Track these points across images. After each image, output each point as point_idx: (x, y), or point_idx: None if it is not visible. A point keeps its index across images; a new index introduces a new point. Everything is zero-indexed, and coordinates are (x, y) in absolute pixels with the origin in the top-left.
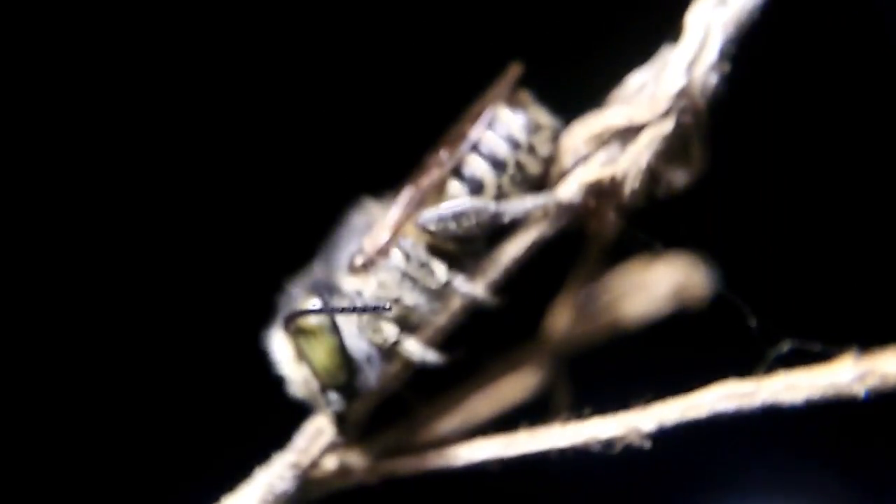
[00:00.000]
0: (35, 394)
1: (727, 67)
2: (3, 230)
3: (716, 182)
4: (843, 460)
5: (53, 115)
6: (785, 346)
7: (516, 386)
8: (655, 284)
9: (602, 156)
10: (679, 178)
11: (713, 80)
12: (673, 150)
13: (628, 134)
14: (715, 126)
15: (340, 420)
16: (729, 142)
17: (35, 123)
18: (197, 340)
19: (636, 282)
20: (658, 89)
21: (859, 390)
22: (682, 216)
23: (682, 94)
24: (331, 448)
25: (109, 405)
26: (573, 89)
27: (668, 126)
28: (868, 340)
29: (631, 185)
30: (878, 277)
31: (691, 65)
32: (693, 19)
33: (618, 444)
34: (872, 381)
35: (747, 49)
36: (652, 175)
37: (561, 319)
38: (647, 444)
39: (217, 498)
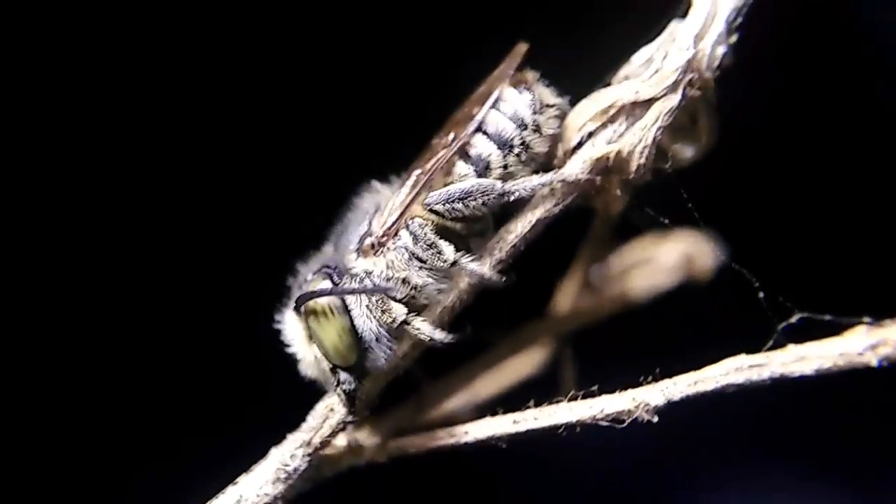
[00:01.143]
0: (55, 377)
1: (734, 40)
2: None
3: (723, 155)
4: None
5: (52, 113)
6: (795, 318)
7: (524, 363)
8: (663, 259)
9: (609, 132)
10: (686, 152)
11: (721, 52)
12: (680, 124)
13: (635, 109)
14: (722, 99)
15: (351, 399)
16: (737, 114)
17: (34, 123)
18: (211, 323)
19: (644, 257)
20: (665, 63)
21: (871, 360)
22: (689, 190)
23: (689, 67)
24: (342, 427)
25: (125, 390)
26: (579, 67)
27: (675, 100)
28: (879, 311)
29: (638, 160)
30: (887, 248)
31: (698, 38)
32: None
33: (626, 418)
34: (885, 351)
35: (754, 21)
36: (659, 150)
37: (568, 296)
38: (655, 419)
39: (233, 476)
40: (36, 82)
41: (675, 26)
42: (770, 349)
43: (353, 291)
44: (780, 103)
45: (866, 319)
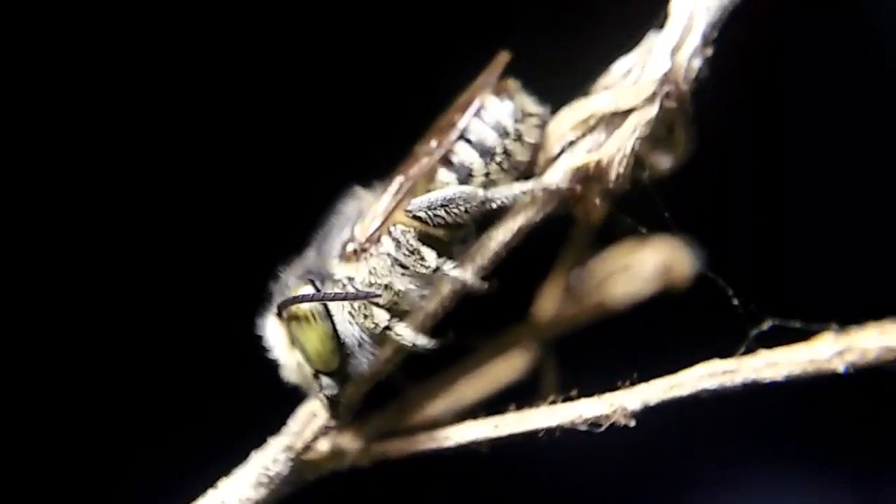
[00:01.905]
0: (33, 381)
1: (710, 52)
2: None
3: (699, 165)
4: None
5: (51, 114)
6: (766, 325)
7: (505, 368)
8: (641, 266)
9: (588, 142)
10: (664, 162)
11: (697, 64)
12: (658, 134)
13: (614, 119)
14: (698, 110)
15: (333, 404)
16: (712, 126)
17: (34, 123)
18: (192, 328)
19: (622, 264)
20: (643, 75)
21: (839, 366)
22: (666, 199)
23: (666, 79)
24: (324, 431)
25: (106, 393)
26: (559, 77)
27: (652, 111)
28: (846, 318)
29: (617, 170)
30: (856, 256)
31: (675, 50)
32: (677, 5)
33: (604, 423)
34: (851, 357)
35: (730, 34)
36: (637, 160)
37: (549, 302)
38: (633, 423)
39: (214, 481)
40: (33, 82)
41: (652, 38)
42: (742, 355)
43: (335, 298)
44: (755, 114)
45: (833, 327)
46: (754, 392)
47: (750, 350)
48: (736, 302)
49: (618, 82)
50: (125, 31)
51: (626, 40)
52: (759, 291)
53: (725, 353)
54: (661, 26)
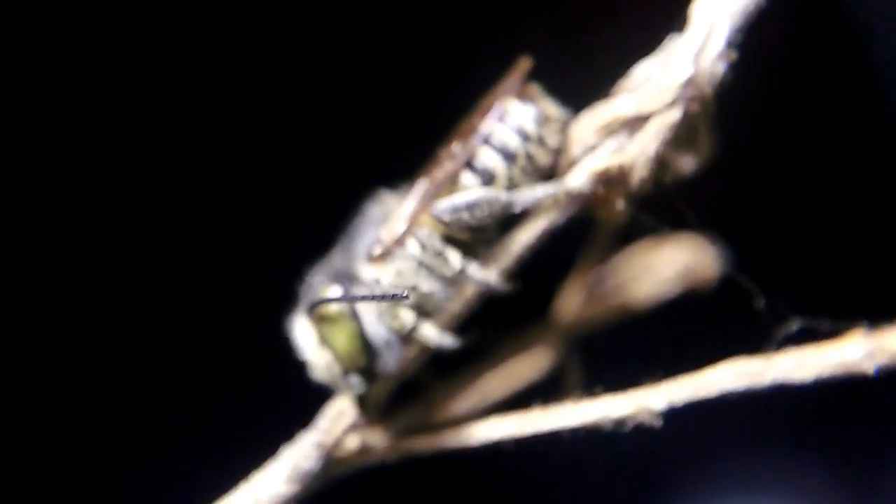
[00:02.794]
0: (65, 373)
1: (734, 56)
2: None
3: (723, 167)
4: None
5: (60, 115)
6: (794, 325)
7: (528, 366)
8: (664, 266)
9: (610, 145)
10: (686, 164)
11: (720, 68)
12: (680, 137)
13: (636, 123)
14: (722, 113)
15: (361, 402)
16: (736, 128)
17: (37, 124)
18: (223, 327)
19: (645, 264)
20: (665, 79)
21: (869, 367)
22: (690, 200)
23: (689, 83)
24: (352, 428)
25: (140, 389)
26: (581, 81)
27: (675, 115)
28: (876, 317)
29: (639, 172)
30: (884, 255)
31: (698, 54)
32: (699, 8)
33: (629, 422)
34: (882, 358)
35: (754, 37)
36: (660, 162)
37: (571, 302)
38: (658, 423)
39: (246, 475)
40: (37, 82)
41: (675, 41)
42: (769, 355)
43: (363, 298)
44: (778, 116)
45: (863, 326)
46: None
47: (777, 350)
48: (762, 302)
49: (640, 86)
50: (163, 34)
51: (648, 43)
52: (785, 291)
53: (751, 354)
54: (683, 29)
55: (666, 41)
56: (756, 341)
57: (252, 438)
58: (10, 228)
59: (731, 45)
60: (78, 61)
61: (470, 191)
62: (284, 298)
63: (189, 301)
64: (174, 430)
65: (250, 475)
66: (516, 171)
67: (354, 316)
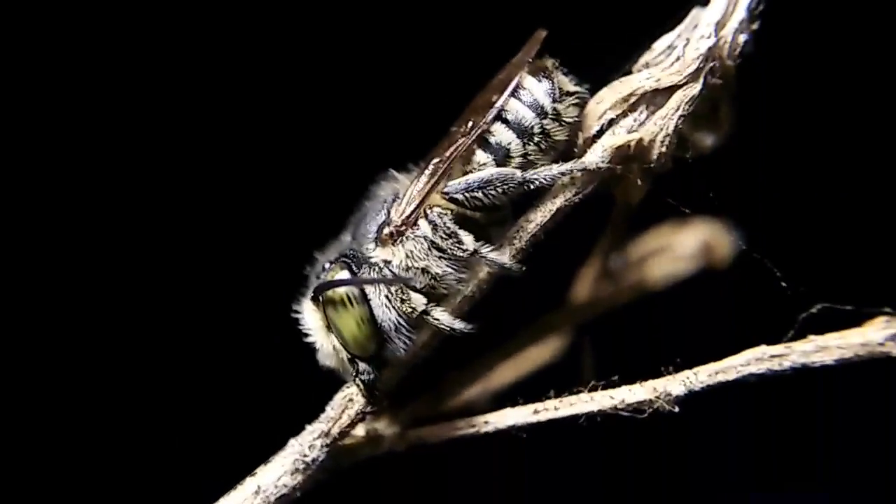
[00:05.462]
0: (72, 371)
1: (756, 27)
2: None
3: (744, 143)
4: None
5: (79, 116)
6: (815, 308)
7: (541, 352)
8: (681, 247)
9: (629, 121)
10: (707, 140)
11: (742, 40)
12: (701, 112)
13: (656, 97)
14: (743, 86)
15: (370, 389)
16: (757, 102)
17: (40, 124)
18: (229, 313)
19: (662, 245)
20: (686, 51)
21: (893, 350)
22: (710, 179)
23: (711, 54)
24: (361, 417)
25: (143, 380)
26: (598, 55)
27: (696, 88)
28: None
29: (659, 149)
30: None
31: (720, 25)
32: None
33: (647, 408)
34: None
35: (775, 8)
36: (680, 138)
37: (588, 284)
38: (676, 409)
39: (252, 466)
40: (38, 83)
41: (696, 13)
42: (791, 339)
43: (372, 281)
44: (800, 90)
45: (887, 310)
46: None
47: (799, 334)
48: (783, 284)
49: (660, 59)
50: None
51: (667, 16)
52: (808, 273)
53: (771, 338)
54: (704, 2)
55: (686, 13)
56: (777, 324)
57: (258, 427)
58: (9, 228)
59: (753, 15)
60: (82, 61)
61: (484, 169)
62: (293, 282)
63: (196, 286)
64: (180, 420)
65: (256, 467)
66: (531, 148)
67: (363, 300)
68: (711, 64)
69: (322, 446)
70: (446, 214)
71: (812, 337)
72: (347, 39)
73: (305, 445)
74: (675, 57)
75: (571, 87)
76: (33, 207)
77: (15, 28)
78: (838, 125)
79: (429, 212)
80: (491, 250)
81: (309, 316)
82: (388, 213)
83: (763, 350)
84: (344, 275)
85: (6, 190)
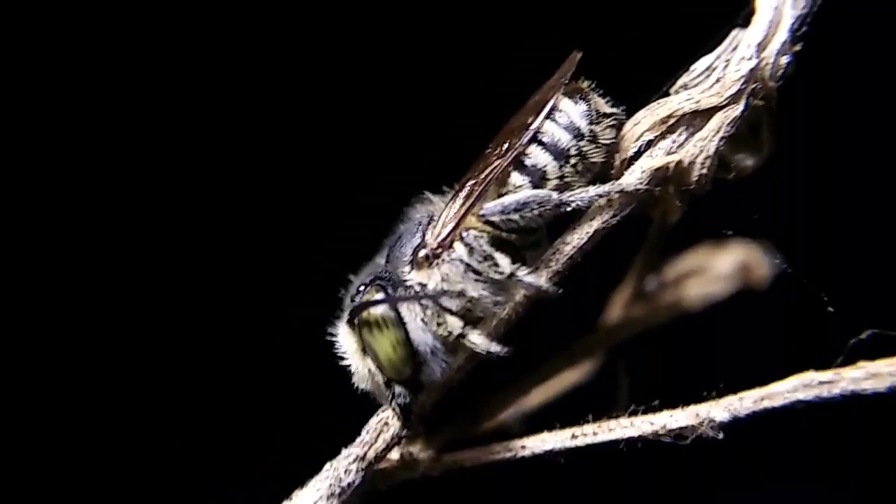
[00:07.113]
0: (99, 373)
1: (798, 48)
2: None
3: (787, 165)
4: None
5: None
6: (864, 334)
7: (576, 375)
8: (718, 268)
9: (668, 142)
10: (748, 162)
11: (785, 61)
12: (742, 134)
13: (695, 119)
14: (786, 108)
15: (406, 413)
16: (799, 124)
17: (44, 125)
18: (265, 336)
19: (699, 265)
20: (727, 72)
21: None
22: (753, 201)
23: (752, 76)
24: (396, 441)
25: (183, 400)
26: (635, 77)
27: (738, 110)
28: None
29: (699, 171)
30: None
31: (761, 46)
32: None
33: (689, 434)
34: None
35: (819, 29)
36: (720, 160)
37: (622, 306)
38: (720, 435)
39: (289, 491)
40: (39, 83)
41: (737, 34)
42: (839, 365)
43: (409, 299)
44: (843, 112)
45: None
46: None
47: (848, 361)
48: (830, 309)
49: (699, 81)
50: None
51: (706, 37)
52: (856, 298)
53: (816, 362)
54: (743, 23)
55: (727, 34)
56: (822, 350)
57: (294, 450)
58: (9, 228)
59: (795, 36)
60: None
61: (520, 191)
62: (329, 305)
63: (232, 310)
64: (217, 443)
65: (292, 491)
66: (568, 170)
67: (399, 323)
68: (753, 86)
69: (358, 470)
70: (482, 237)
71: (862, 363)
72: (385, 61)
73: (341, 469)
74: (715, 78)
75: (608, 109)
76: (43, 211)
77: (15, 28)
78: (881, 147)
79: (464, 234)
80: (527, 273)
81: (345, 339)
82: (424, 235)
83: (812, 377)
84: (379, 297)
85: (9, 191)
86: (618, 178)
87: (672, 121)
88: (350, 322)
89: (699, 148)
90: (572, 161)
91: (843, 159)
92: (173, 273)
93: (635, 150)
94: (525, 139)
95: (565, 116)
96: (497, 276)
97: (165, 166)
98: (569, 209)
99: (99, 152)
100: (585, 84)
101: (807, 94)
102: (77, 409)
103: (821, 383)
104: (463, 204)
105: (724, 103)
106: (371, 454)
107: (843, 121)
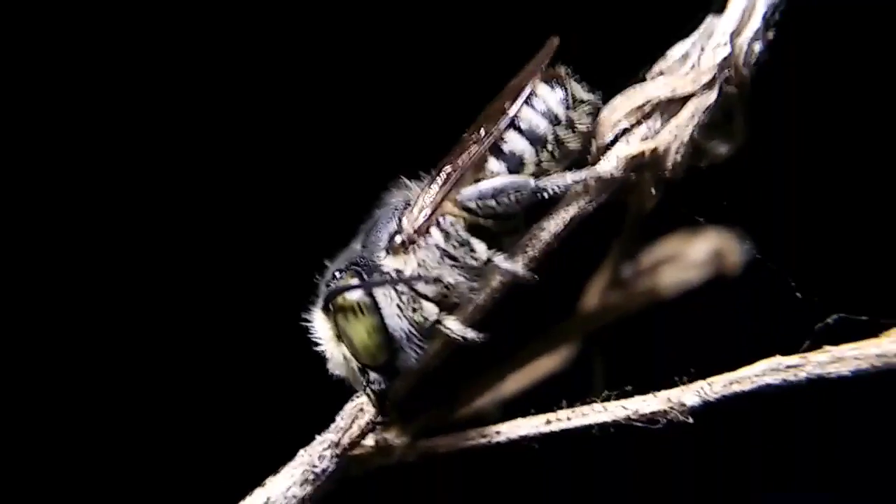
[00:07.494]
0: (85, 371)
1: (771, 36)
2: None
3: (758, 152)
4: None
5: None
6: (831, 318)
7: (553, 362)
8: (692, 255)
9: (643, 129)
10: (721, 149)
11: (758, 48)
12: (715, 121)
13: (670, 106)
14: (758, 95)
15: (381, 399)
16: (772, 111)
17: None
18: (239, 321)
19: (673, 253)
20: (701, 60)
21: None
22: (724, 188)
23: (727, 63)
24: (371, 427)
25: (149, 386)
26: (611, 63)
27: (712, 97)
28: None
29: (673, 158)
30: None
31: (735, 34)
32: None
33: (661, 419)
34: None
35: (792, 17)
36: (694, 147)
37: (598, 293)
38: (690, 420)
39: (261, 478)
40: (41, 83)
41: (711, 21)
42: (806, 350)
43: (384, 282)
44: (816, 99)
45: None
46: None
47: (814, 345)
48: (798, 294)
49: (674, 67)
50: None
51: (682, 24)
52: (823, 283)
53: (788, 348)
54: (718, 10)
55: (702, 21)
56: (791, 335)
57: (266, 437)
58: (9, 229)
59: (769, 24)
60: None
61: (497, 177)
62: (303, 291)
63: (205, 295)
64: (188, 429)
65: (265, 478)
66: (545, 156)
67: (374, 308)
68: (727, 73)
69: (332, 456)
70: (459, 223)
71: (828, 347)
72: (358, 45)
73: (315, 456)
74: (690, 65)
75: (585, 95)
76: (43, 211)
77: (15, 28)
78: (854, 134)
79: (441, 220)
80: (504, 259)
81: (319, 324)
82: (400, 221)
83: (778, 360)
84: (355, 283)
85: (9, 191)
86: (594, 165)
87: (648, 108)
88: (325, 308)
89: (674, 135)
90: (549, 147)
91: (814, 147)
92: (143, 258)
93: (612, 136)
94: (502, 125)
95: (542, 102)
96: (473, 262)
97: (143, 156)
98: (545, 195)
99: (98, 152)
100: (563, 70)
101: (779, 81)
102: (59, 398)
103: (788, 367)
104: (440, 189)
105: (698, 90)
106: (346, 440)
107: (814, 108)
